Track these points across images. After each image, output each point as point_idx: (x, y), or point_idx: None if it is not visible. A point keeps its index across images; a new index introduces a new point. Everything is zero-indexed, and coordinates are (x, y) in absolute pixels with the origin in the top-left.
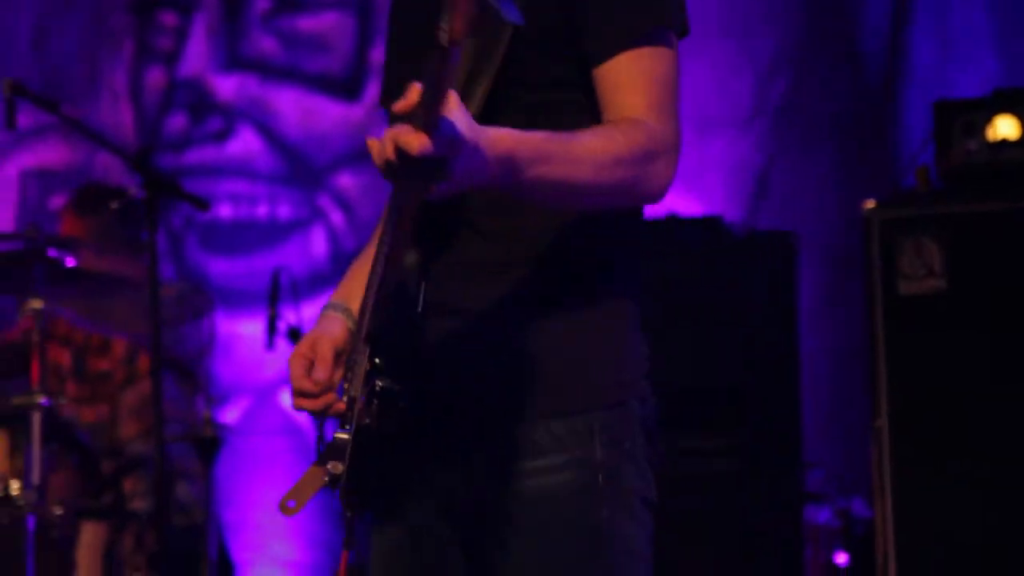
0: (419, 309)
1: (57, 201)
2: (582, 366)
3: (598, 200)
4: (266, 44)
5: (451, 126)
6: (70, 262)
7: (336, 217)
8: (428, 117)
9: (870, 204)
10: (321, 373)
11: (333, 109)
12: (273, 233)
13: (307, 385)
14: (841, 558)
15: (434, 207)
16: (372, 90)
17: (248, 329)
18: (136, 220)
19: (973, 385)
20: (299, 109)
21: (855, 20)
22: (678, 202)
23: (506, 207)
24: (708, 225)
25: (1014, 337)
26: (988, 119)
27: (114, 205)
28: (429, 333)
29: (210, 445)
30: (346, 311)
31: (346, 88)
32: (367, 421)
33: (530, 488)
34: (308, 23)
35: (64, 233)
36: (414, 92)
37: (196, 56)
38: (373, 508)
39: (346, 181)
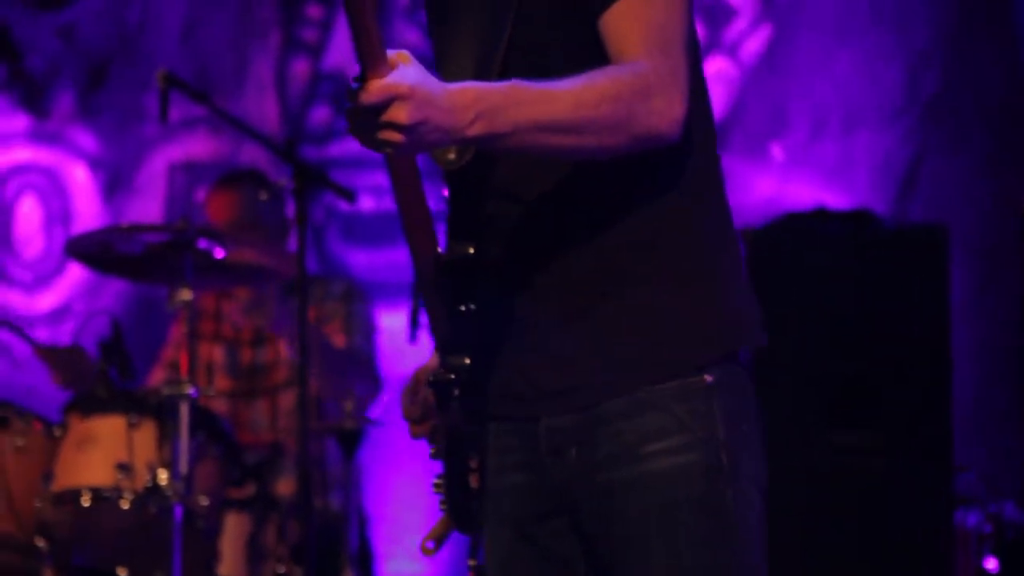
0: (475, 306)
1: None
2: (667, 329)
3: (593, 141)
4: (409, 36)
5: (396, 74)
6: (219, 253)
7: None
8: (364, 67)
9: None
10: (409, 401)
11: None
12: None
13: (411, 413)
14: (991, 564)
15: (479, 196)
16: None
17: (390, 322)
18: (282, 211)
19: None
20: None
21: (1009, 8)
22: (825, 195)
23: (553, 185)
24: (857, 218)
25: None
26: None
27: (263, 196)
28: (494, 328)
29: (352, 437)
30: None
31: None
32: (436, 421)
33: (656, 470)
34: None
35: (210, 216)
36: None
37: (341, 48)
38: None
39: None
